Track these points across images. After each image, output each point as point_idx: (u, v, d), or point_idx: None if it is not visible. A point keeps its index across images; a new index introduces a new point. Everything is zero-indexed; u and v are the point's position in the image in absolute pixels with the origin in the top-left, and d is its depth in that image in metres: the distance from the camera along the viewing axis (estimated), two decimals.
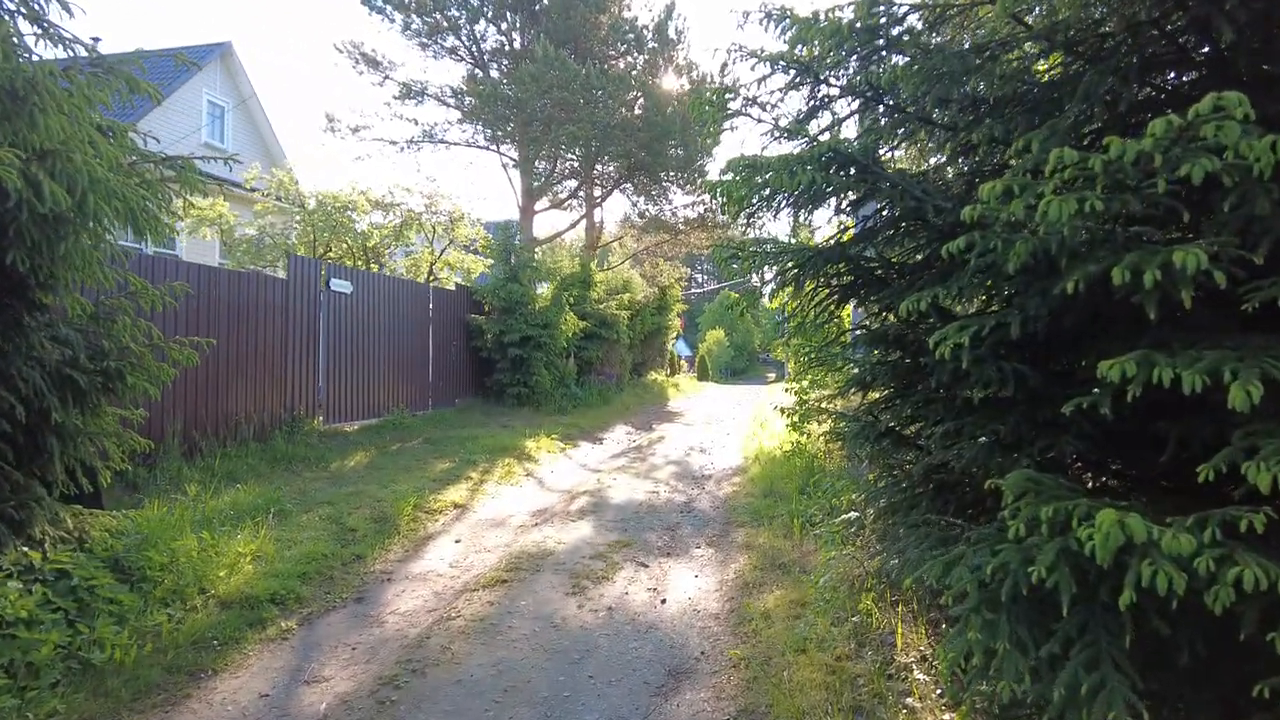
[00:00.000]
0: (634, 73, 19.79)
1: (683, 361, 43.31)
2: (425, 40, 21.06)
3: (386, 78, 21.33)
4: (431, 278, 16.96)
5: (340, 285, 11.71)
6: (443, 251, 17.43)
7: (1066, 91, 2.67)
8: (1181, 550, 1.59)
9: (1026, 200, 1.87)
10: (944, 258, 2.25)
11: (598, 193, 25.24)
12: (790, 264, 3.67)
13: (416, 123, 22.07)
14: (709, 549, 6.76)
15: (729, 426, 16.53)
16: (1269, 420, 1.77)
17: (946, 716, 3.49)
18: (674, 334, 30.56)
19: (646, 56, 21.01)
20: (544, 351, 16.03)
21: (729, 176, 2.94)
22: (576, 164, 23.14)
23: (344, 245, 15.80)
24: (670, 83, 21.28)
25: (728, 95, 3.20)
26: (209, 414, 8.89)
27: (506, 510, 8.00)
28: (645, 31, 21.01)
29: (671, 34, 20.84)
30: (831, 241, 3.77)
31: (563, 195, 24.83)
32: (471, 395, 15.89)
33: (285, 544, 6.00)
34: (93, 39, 17.50)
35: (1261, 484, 1.58)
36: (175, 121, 18.06)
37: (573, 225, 25.95)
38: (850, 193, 3.19)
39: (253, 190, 16.11)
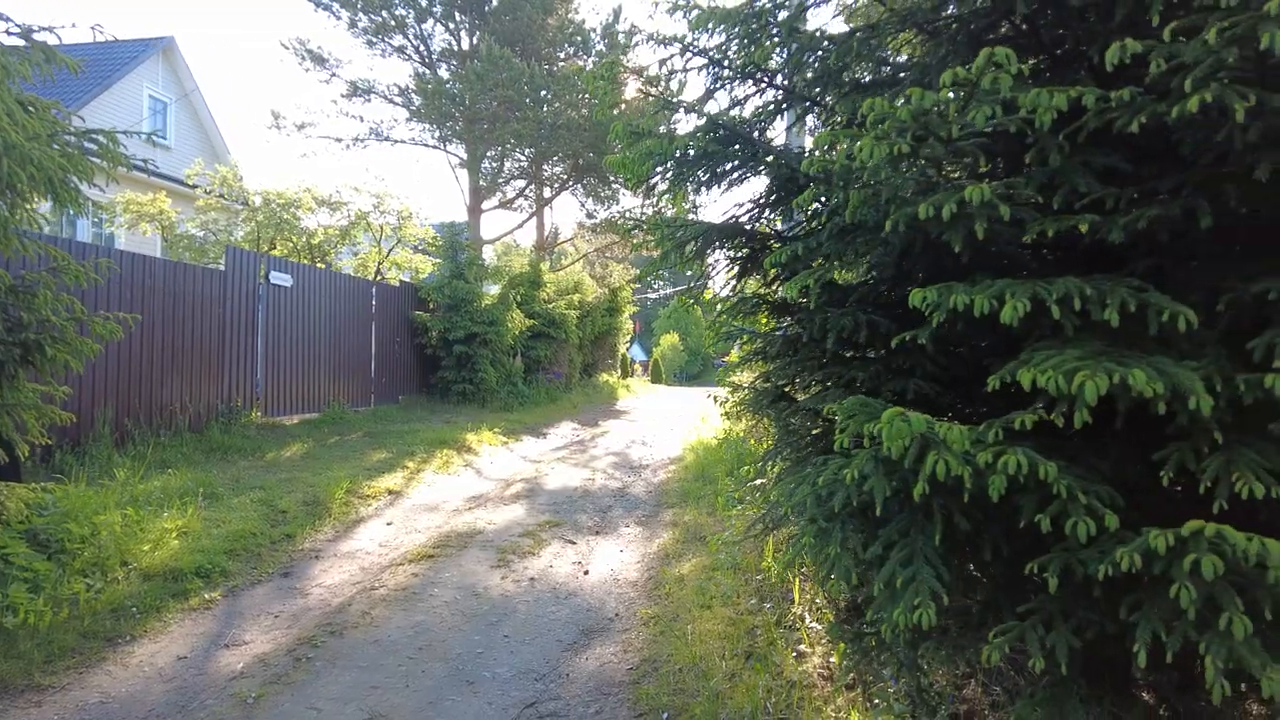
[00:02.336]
0: (581, 74, 20.01)
1: (637, 365, 43.56)
2: (372, 38, 21.03)
3: (333, 75, 21.25)
4: (379, 277, 16.92)
5: (280, 279, 11.67)
6: (390, 251, 17.40)
7: (919, 68, 2.95)
8: (961, 444, 1.84)
9: (849, 149, 2.11)
10: (794, 209, 2.48)
11: (547, 193, 25.40)
12: (691, 238, 3.89)
13: (363, 120, 22.07)
14: (637, 527, 6.97)
15: (673, 423, 16.78)
16: (1046, 340, 2.04)
17: (832, 658, 3.73)
18: (626, 335, 30.73)
19: (594, 58, 21.26)
20: (490, 349, 16.11)
21: (618, 147, 3.15)
22: (525, 164, 23.27)
23: (289, 243, 15.70)
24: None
25: (620, 71, 3.41)
26: (142, 403, 8.83)
27: (441, 497, 8.11)
28: (593, 34, 21.28)
29: (620, 37, 21.12)
30: (728, 217, 4.01)
31: (511, 195, 24.91)
32: (416, 392, 15.89)
33: (214, 523, 6.04)
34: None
35: (1024, 382, 1.84)
36: (115, 115, 17.72)
37: (520, 225, 26.07)
38: (735, 164, 3.43)
39: (195, 187, 15.89)
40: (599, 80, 3.28)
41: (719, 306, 4.00)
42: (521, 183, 24.89)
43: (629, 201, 24.74)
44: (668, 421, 17.21)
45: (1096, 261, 2.39)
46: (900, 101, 2.17)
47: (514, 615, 4.72)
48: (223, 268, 10.74)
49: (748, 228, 3.93)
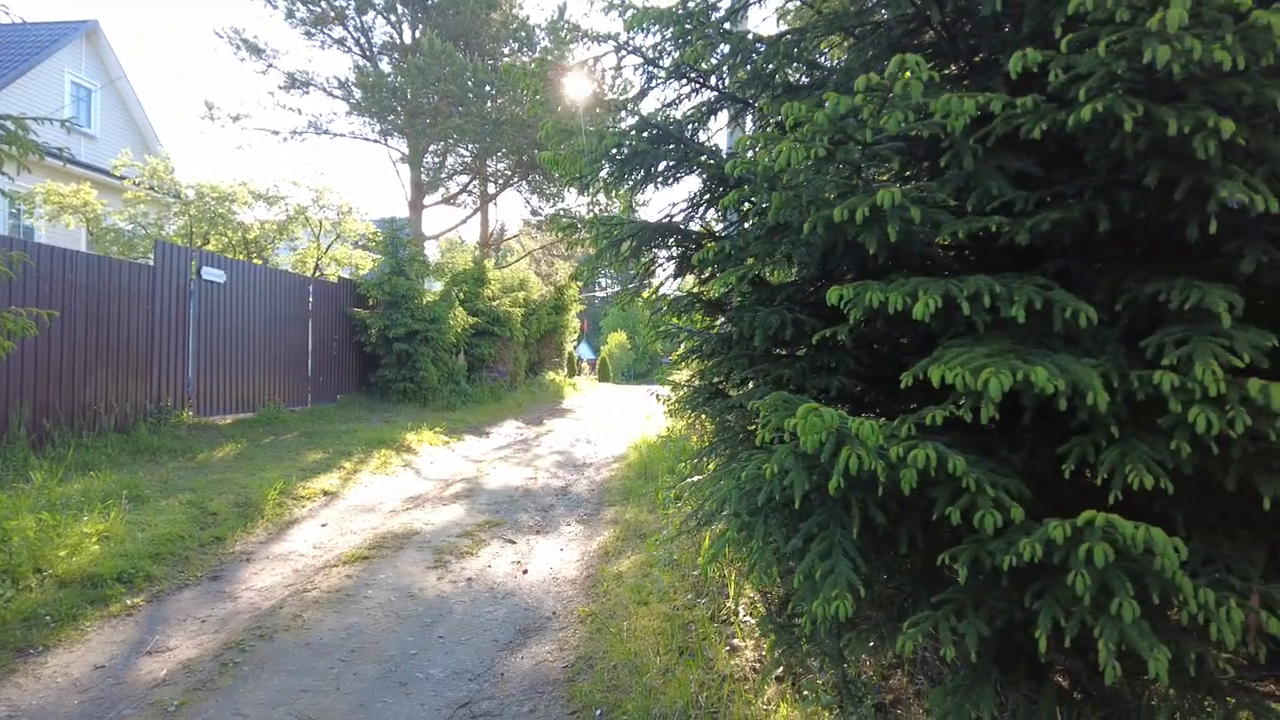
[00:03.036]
0: (513, 70, 19.85)
1: (585, 364, 43.49)
2: (311, 29, 20.51)
3: (270, 66, 20.66)
4: (317, 273, 16.53)
5: (213, 274, 11.33)
6: (329, 247, 17.02)
7: (845, 72, 3.01)
8: (874, 438, 1.89)
9: (771, 151, 2.14)
10: (723, 209, 2.51)
11: (491, 189, 25.14)
12: (626, 236, 3.91)
13: (301, 113, 21.50)
14: (578, 526, 6.96)
15: (619, 421, 16.80)
16: (960, 337, 2.10)
17: (763, 652, 3.79)
18: (572, 333, 30.63)
19: (539, 55, 21.12)
20: (431, 347, 15.88)
21: (549, 144, 3.15)
22: (468, 159, 23.00)
23: (224, 238, 15.22)
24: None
25: (551, 69, 3.40)
26: (63, 403, 8.47)
27: (378, 497, 7.97)
28: (538, 30, 21.13)
29: (564, 34, 21.00)
30: (664, 215, 4.03)
31: (454, 191, 24.57)
32: (355, 391, 15.59)
33: (139, 526, 5.84)
34: None
35: (934, 378, 1.90)
36: (33, 102, 16.95)
37: (464, 221, 25.75)
38: (669, 163, 3.45)
39: (123, 178, 15.27)
40: (530, 77, 3.27)
41: (657, 305, 4.02)
42: (465, 178, 24.60)
43: (575, 199, 24.66)
44: (613, 420, 17.23)
45: (1013, 262, 2.48)
46: (827, 104, 2.22)
47: (450, 616, 4.67)
48: (152, 263, 10.37)
49: (682, 227, 3.96)
